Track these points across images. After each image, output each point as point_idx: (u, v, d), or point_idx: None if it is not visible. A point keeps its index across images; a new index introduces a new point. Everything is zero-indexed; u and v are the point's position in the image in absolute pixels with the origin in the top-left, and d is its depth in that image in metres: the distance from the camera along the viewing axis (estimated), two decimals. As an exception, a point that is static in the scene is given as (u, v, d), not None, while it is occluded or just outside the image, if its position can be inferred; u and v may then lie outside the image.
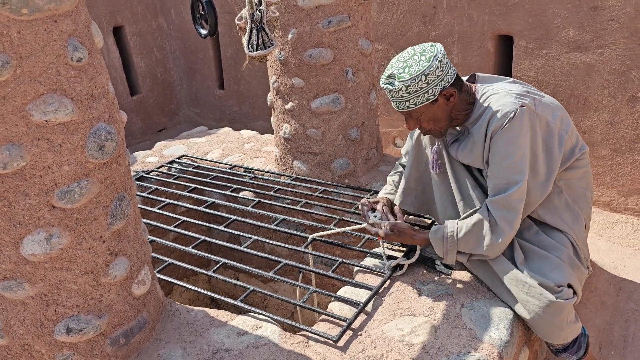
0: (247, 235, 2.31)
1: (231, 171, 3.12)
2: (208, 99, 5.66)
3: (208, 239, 2.31)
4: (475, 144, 1.75)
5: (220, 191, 2.88)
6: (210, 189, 2.95)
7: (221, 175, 3.07)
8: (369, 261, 2.05)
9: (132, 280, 1.63)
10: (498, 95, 1.71)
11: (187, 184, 2.99)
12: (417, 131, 2.00)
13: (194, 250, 2.22)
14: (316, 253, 2.16)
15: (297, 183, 2.85)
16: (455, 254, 1.80)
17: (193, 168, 3.20)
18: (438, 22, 3.63)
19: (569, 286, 1.67)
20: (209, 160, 3.31)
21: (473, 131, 1.76)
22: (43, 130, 1.32)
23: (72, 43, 1.32)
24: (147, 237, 1.78)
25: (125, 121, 1.62)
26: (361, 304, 1.78)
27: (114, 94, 1.54)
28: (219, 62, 5.38)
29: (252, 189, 2.89)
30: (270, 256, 2.13)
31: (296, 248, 2.20)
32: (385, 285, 1.90)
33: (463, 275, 1.90)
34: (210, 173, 3.11)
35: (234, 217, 2.49)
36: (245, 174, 3.07)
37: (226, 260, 2.12)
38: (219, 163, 3.26)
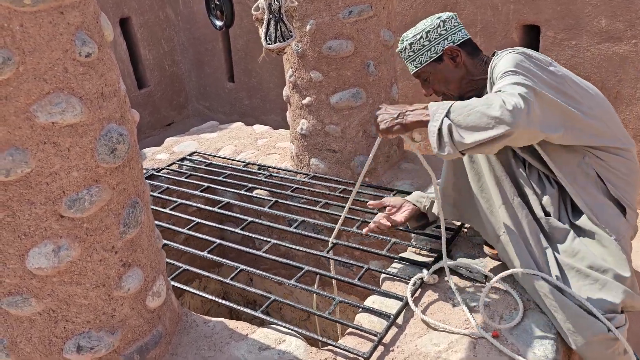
0: (263, 238, 2.18)
1: (245, 169, 2.99)
2: (217, 92, 5.52)
3: (223, 242, 2.19)
4: None
5: (234, 190, 2.76)
6: (223, 188, 2.82)
7: (234, 173, 2.95)
8: (396, 267, 1.93)
9: (146, 293, 1.51)
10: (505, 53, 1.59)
11: (199, 182, 2.86)
12: None
13: (209, 255, 2.10)
14: (339, 258, 2.04)
15: (315, 182, 2.72)
16: (442, 119, 1.37)
17: (205, 165, 3.08)
18: (460, 11, 3.47)
19: (622, 311, 1.52)
20: (221, 157, 3.18)
21: None
22: (49, 133, 1.19)
23: (80, 37, 1.19)
24: (161, 244, 1.66)
25: (137, 120, 1.49)
26: (392, 316, 1.65)
27: (125, 92, 1.41)
28: (229, 54, 5.23)
29: (267, 188, 2.76)
30: (290, 262, 2.01)
31: (318, 253, 2.08)
32: (416, 294, 1.77)
33: (499, 284, 1.76)
34: (223, 171, 2.99)
35: (250, 219, 2.37)
36: (260, 171, 2.94)
37: (245, 267, 1.99)
38: (232, 160, 3.13)
